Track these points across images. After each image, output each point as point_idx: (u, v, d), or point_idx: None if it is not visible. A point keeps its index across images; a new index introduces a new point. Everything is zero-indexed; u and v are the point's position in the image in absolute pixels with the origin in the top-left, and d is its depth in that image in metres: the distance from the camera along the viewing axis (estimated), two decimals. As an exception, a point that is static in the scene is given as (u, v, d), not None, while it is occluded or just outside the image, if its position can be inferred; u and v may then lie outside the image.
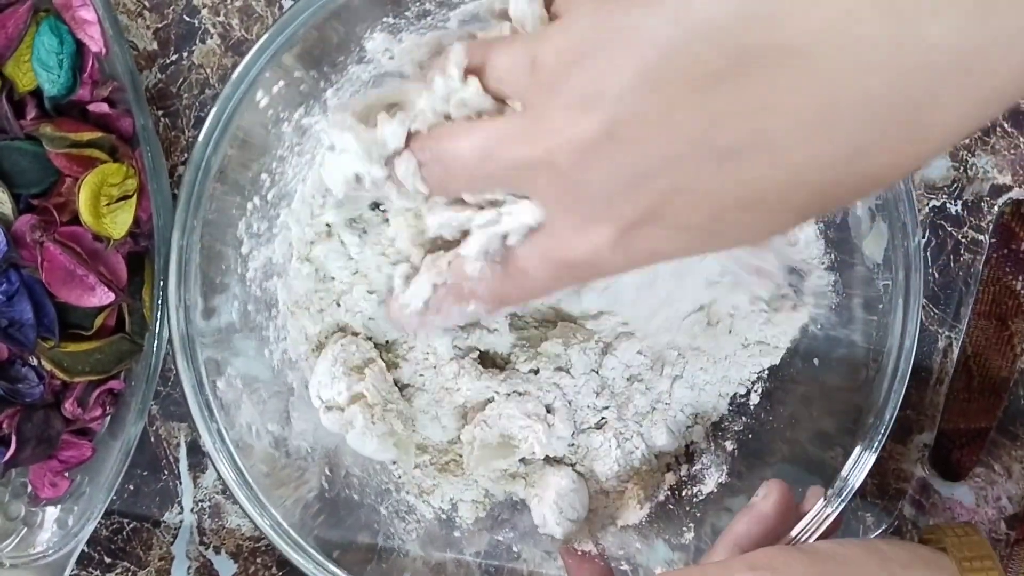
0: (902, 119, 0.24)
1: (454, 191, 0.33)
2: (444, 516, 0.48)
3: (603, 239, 0.29)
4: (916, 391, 0.52)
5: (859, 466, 0.43)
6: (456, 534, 0.48)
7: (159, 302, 0.45)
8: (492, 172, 0.31)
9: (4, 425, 0.44)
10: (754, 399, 0.49)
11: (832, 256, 0.46)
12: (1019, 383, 0.50)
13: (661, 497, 0.49)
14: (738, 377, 0.49)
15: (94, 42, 0.43)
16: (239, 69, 0.40)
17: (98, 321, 0.45)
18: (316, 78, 0.43)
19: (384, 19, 0.41)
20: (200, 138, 0.40)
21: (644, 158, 0.27)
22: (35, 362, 0.45)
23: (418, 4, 0.41)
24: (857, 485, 0.42)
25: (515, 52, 0.30)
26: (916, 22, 0.23)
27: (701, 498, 0.49)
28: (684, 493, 0.50)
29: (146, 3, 0.48)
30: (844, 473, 0.43)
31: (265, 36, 0.40)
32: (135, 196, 0.44)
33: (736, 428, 0.50)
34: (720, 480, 0.50)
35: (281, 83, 0.41)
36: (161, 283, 0.45)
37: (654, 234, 0.29)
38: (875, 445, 0.43)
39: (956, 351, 0.51)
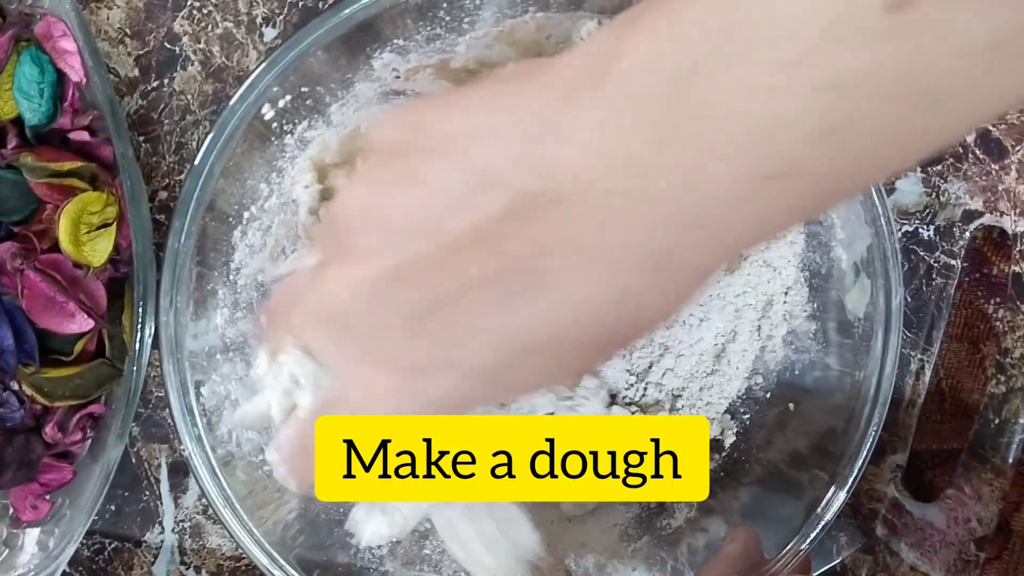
0: (660, 266, 0.25)
1: (279, 344, 0.33)
2: (418, 533, 0.49)
3: (389, 388, 0.29)
4: (889, 412, 0.53)
5: (832, 505, 0.44)
6: (427, 551, 0.48)
7: (139, 327, 0.46)
8: (294, 326, 0.31)
9: (-15, 449, 0.45)
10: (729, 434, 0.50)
11: (815, 305, 0.47)
12: (989, 407, 0.51)
13: (632, 520, 0.50)
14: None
15: (74, 72, 0.44)
16: (248, 81, 0.40)
17: (78, 347, 0.45)
18: (322, 93, 0.43)
19: (394, 41, 0.42)
20: (205, 144, 0.41)
21: (427, 298, 0.27)
22: (16, 387, 0.45)
23: (428, 28, 0.41)
24: (829, 522, 0.44)
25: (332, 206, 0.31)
26: (650, 179, 0.24)
27: (676, 524, 0.50)
28: (657, 522, 0.51)
29: (127, 30, 0.48)
30: (819, 511, 0.44)
31: (279, 50, 0.40)
32: (115, 224, 0.45)
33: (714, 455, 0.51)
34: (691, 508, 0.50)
35: (288, 98, 0.42)
36: (140, 307, 0.45)
37: (441, 380, 0.28)
38: (847, 486, 0.44)
39: (928, 374, 0.52)
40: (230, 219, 0.44)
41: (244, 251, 0.45)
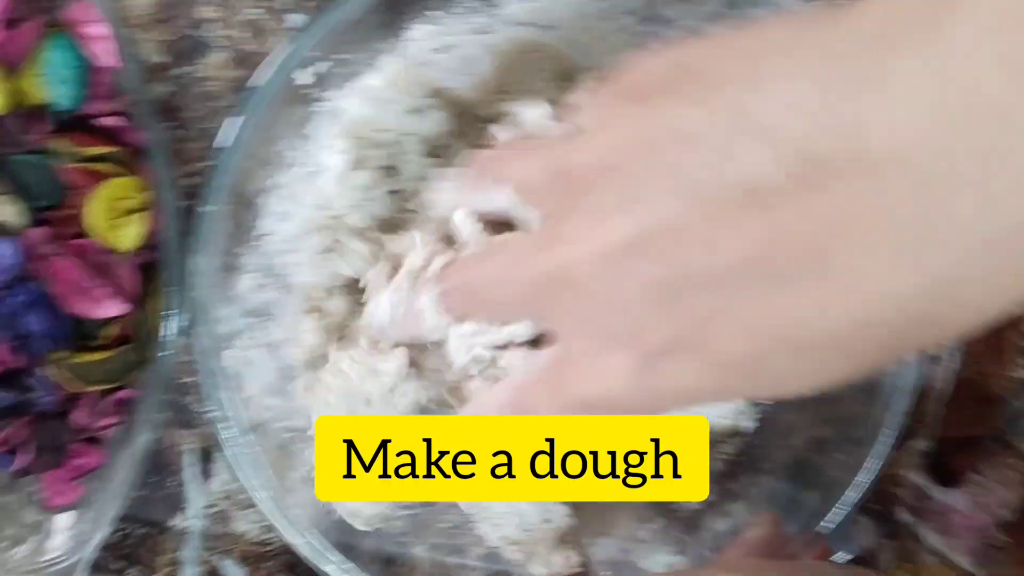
0: (1005, 247, 0.20)
1: (476, 320, 0.31)
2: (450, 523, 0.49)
3: (621, 370, 0.25)
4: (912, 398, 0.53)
5: (854, 492, 0.44)
6: (457, 541, 0.49)
7: (167, 312, 0.46)
8: (510, 296, 0.28)
9: (16, 434, 0.45)
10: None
11: None
12: (1011, 391, 0.51)
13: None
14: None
15: (104, 57, 0.44)
16: (283, 47, 0.41)
17: (109, 332, 0.45)
18: (356, 62, 0.43)
19: (426, 13, 0.42)
20: (239, 112, 0.41)
21: (677, 273, 0.23)
22: (47, 372, 0.45)
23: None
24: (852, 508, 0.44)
25: (536, 165, 0.28)
26: (1021, 135, 0.19)
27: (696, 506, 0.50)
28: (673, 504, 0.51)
29: (154, 17, 0.48)
30: (842, 497, 0.44)
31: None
32: (145, 209, 0.45)
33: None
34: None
35: (322, 64, 0.42)
36: (169, 292, 0.45)
37: (682, 367, 0.24)
38: (872, 474, 0.44)
39: (950, 358, 0.52)
40: (261, 185, 0.44)
41: (270, 218, 0.44)
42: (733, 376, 0.24)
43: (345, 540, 0.45)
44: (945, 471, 0.53)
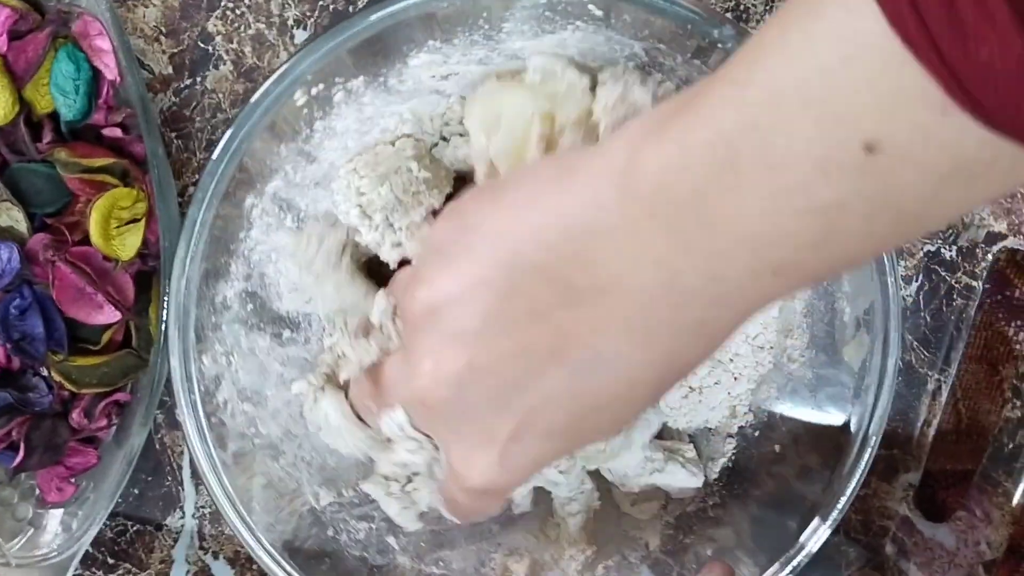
0: (692, 333, 0.30)
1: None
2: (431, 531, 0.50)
3: (489, 464, 0.33)
4: (904, 431, 0.53)
5: (813, 538, 0.44)
6: (439, 554, 0.49)
7: (164, 319, 0.47)
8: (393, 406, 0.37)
9: (14, 432, 0.46)
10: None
11: (813, 353, 0.47)
12: (1004, 430, 0.50)
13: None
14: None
15: (109, 70, 0.45)
16: (283, 67, 0.41)
17: (106, 337, 0.47)
18: (355, 85, 0.43)
19: (430, 42, 0.42)
20: (230, 131, 0.41)
21: (506, 380, 0.31)
22: (45, 373, 0.47)
23: (467, 35, 0.42)
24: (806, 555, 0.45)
25: (399, 299, 0.37)
26: (679, 276, 0.28)
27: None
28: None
29: (163, 28, 0.49)
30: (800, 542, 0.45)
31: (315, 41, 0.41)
32: (144, 219, 0.46)
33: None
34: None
35: (320, 86, 0.42)
36: (167, 300, 0.46)
37: (530, 447, 0.32)
38: (829, 521, 0.44)
39: (945, 394, 0.52)
40: (251, 196, 0.44)
41: (261, 228, 0.45)
42: (565, 439, 0.33)
43: (305, 545, 0.46)
44: (935, 505, 0.53)
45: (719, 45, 0.39)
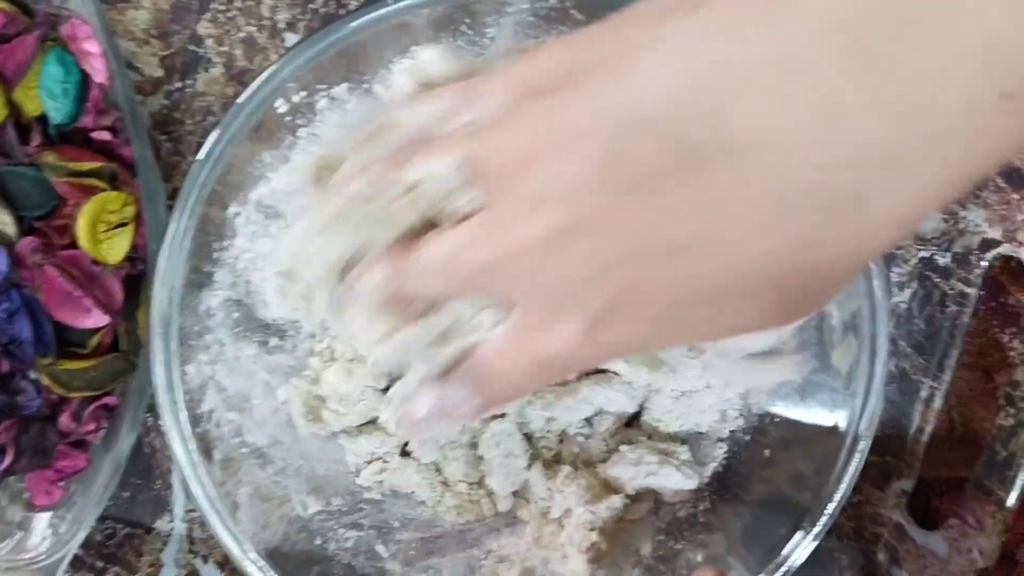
0: (841, 211, 0.24)
1: (425, 298, 0.33)
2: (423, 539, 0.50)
3: (573, 333, 0.29)
4: (897, 437, 0.53)
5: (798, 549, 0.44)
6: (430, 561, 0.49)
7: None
8: (460, 276, 0.31)
9: (3, 436, 0.46)
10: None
11: (804, 354, 0.47)
12: (997, 438, 0.50)
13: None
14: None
15: (98, 73, 0.45)
16: (264, 75, 0.41)
17: (94, 341, 0.47)
18: (339, 93, 0.43)
19: (413, 47, 0.41)
20: (213, 135, 0.41)
21: (601, 251, 0.27)
22: (33, 377, 0.47)
23: (451, 40, 0.41)
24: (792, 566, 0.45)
25: (450, 158, 0.30)
26: (845, 118, 0.23)
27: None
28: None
29: (153, 31, 0.49)
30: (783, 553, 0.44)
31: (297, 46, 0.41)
32: (132, 223, 0.46)
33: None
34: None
35: (303, 93, 0.42)
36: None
37: (620, 326, 0.29)
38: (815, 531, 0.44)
39: (938, 400, 0.52)
40: (235, 203, 0.44)
41: (246, 236, 0.45)
42: (661, 329, 0.29)
43: (293, 552, 0.46)
44: (928, 513, 0.53)
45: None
